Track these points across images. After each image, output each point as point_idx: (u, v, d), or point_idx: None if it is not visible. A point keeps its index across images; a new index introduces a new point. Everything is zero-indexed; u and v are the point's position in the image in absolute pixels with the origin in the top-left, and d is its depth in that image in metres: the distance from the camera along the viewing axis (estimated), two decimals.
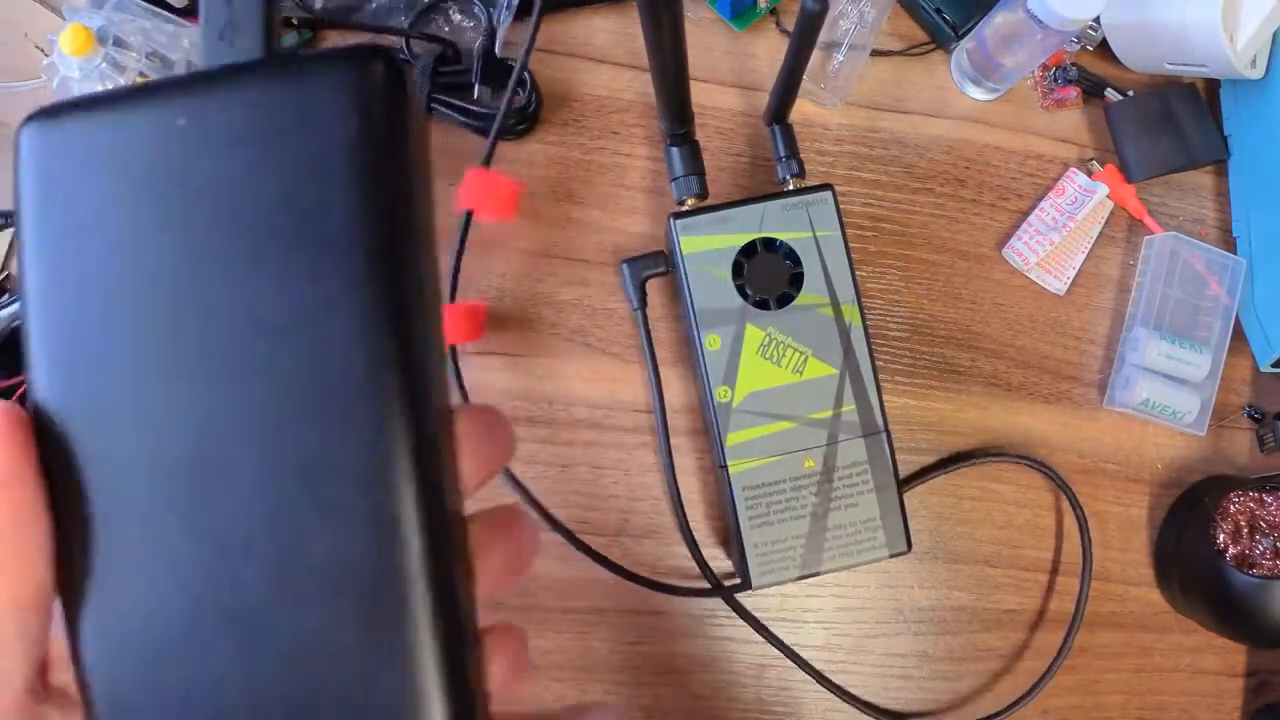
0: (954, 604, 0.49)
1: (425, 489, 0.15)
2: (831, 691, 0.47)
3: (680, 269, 0.43)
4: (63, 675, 0.16)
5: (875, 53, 0.51)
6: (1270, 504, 0.47)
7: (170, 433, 0.15)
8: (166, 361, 0.15)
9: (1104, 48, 0.52)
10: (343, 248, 0.15)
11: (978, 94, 0.52)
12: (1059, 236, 0.50)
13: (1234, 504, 0.47)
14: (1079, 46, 0.53)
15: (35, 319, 0.16)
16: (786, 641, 0.46)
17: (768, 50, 0.51)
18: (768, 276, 0.43)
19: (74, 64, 0.36)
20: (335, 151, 0.15)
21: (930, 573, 0.49)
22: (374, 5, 0.50)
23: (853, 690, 0.47)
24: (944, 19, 0.50)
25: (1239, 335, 0.51)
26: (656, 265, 0.45)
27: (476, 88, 0.47)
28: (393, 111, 0.15)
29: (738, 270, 0.43)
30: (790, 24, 0.51)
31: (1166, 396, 0.49)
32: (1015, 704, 0.47)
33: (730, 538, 0.44)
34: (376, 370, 0.15)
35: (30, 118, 0.16)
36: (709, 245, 0.43)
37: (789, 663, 0.47)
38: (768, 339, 0.43)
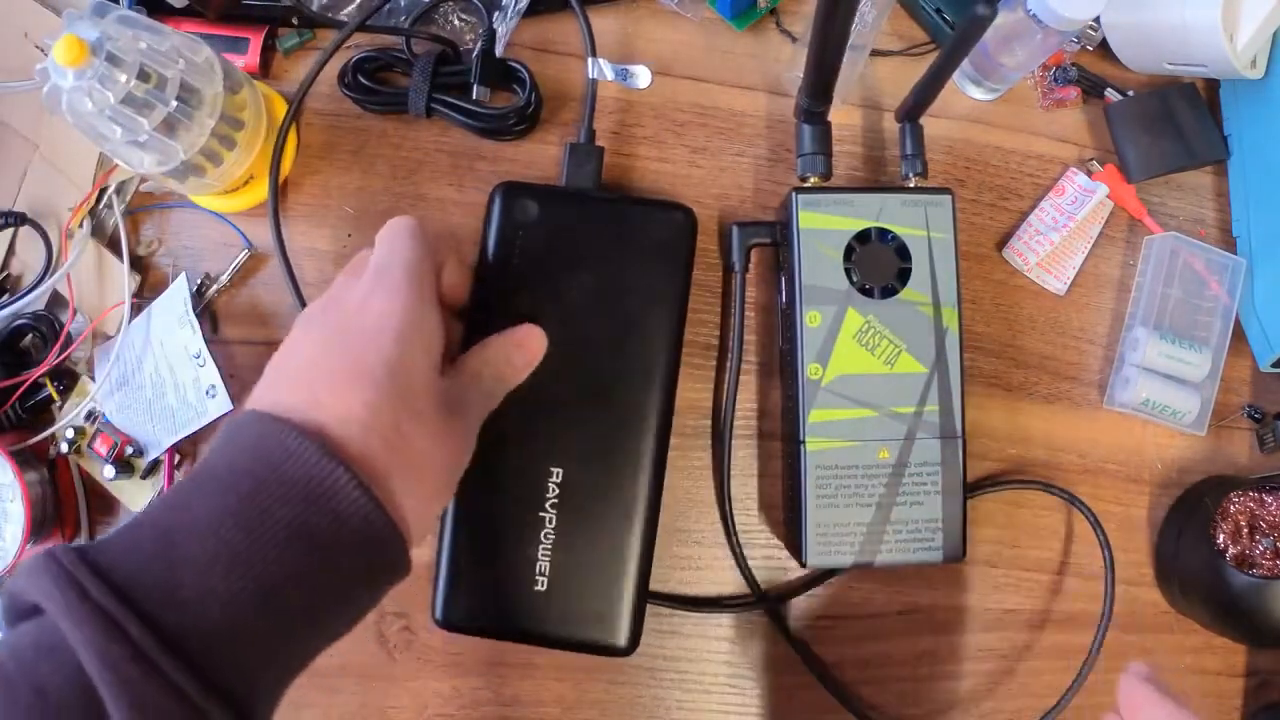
0: (954, 604, 0.49)
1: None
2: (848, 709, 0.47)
3: (794, 242, 0.44)
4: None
5: (875, 53, 0.51)
6: (1270, 504, 0.47)
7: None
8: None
9: (1104, 48, 0.52)
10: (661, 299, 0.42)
11: (978, 94, 0.52)
12: (1059, 236, 0.50)
13: (1234, 504, 0.47)
14: (1079, 46, 0.53)
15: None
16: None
17: (767, 50, 0.51)
18: (877, 266, 0.44)
19: (67, 74, 0.36)
20: (667, 249, 0.43)
21: (930, 572, 0.49)
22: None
23: (854, 690, 0.47)
24: (944, 19, 0.50)
25: (1239, 335, 0.51)
26: (764, 234, 0.46)
27: (476, 88, 0.47)
28: (689, 242, 0.43)
29: (849, 254, 0.44)
30: (789, 24, 0.52)
31: (1166, 396, 0.49)
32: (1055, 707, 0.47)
33: (791, 516, 0.45)
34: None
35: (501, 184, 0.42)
36: (826, 224, 0.44)
37: (793, 665, 0.47)
38: (866, 326, 0.43)
